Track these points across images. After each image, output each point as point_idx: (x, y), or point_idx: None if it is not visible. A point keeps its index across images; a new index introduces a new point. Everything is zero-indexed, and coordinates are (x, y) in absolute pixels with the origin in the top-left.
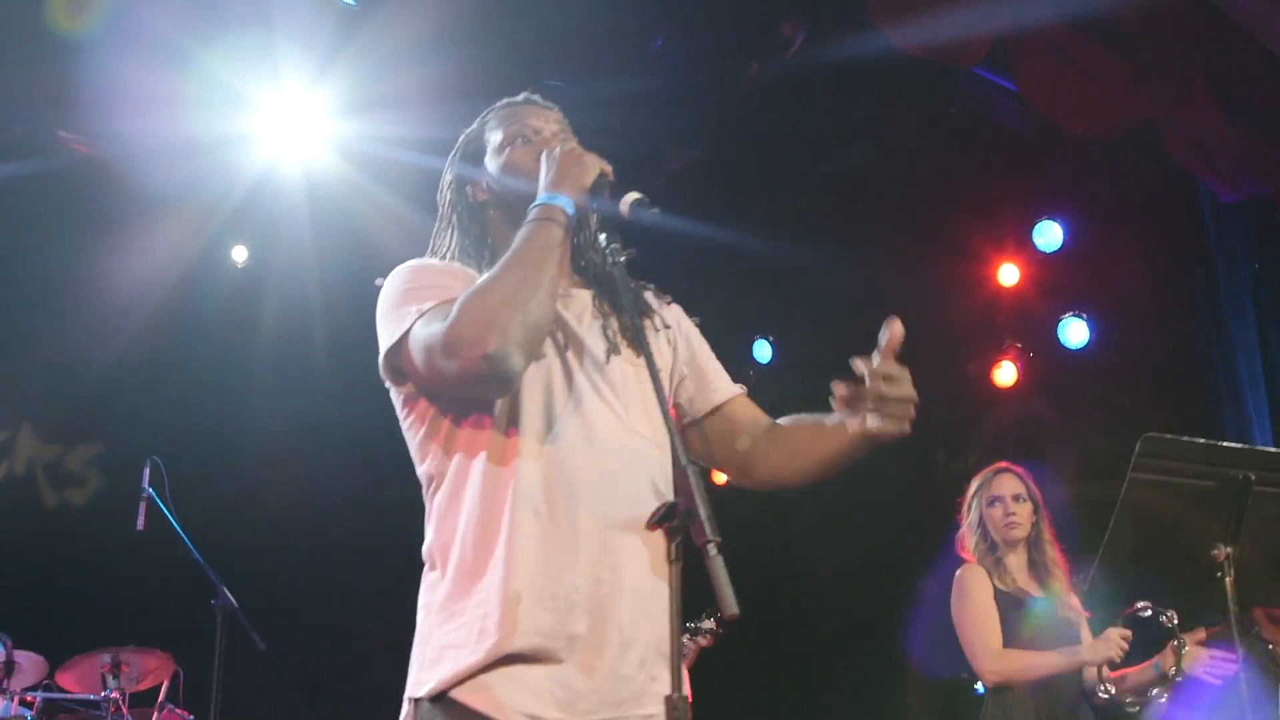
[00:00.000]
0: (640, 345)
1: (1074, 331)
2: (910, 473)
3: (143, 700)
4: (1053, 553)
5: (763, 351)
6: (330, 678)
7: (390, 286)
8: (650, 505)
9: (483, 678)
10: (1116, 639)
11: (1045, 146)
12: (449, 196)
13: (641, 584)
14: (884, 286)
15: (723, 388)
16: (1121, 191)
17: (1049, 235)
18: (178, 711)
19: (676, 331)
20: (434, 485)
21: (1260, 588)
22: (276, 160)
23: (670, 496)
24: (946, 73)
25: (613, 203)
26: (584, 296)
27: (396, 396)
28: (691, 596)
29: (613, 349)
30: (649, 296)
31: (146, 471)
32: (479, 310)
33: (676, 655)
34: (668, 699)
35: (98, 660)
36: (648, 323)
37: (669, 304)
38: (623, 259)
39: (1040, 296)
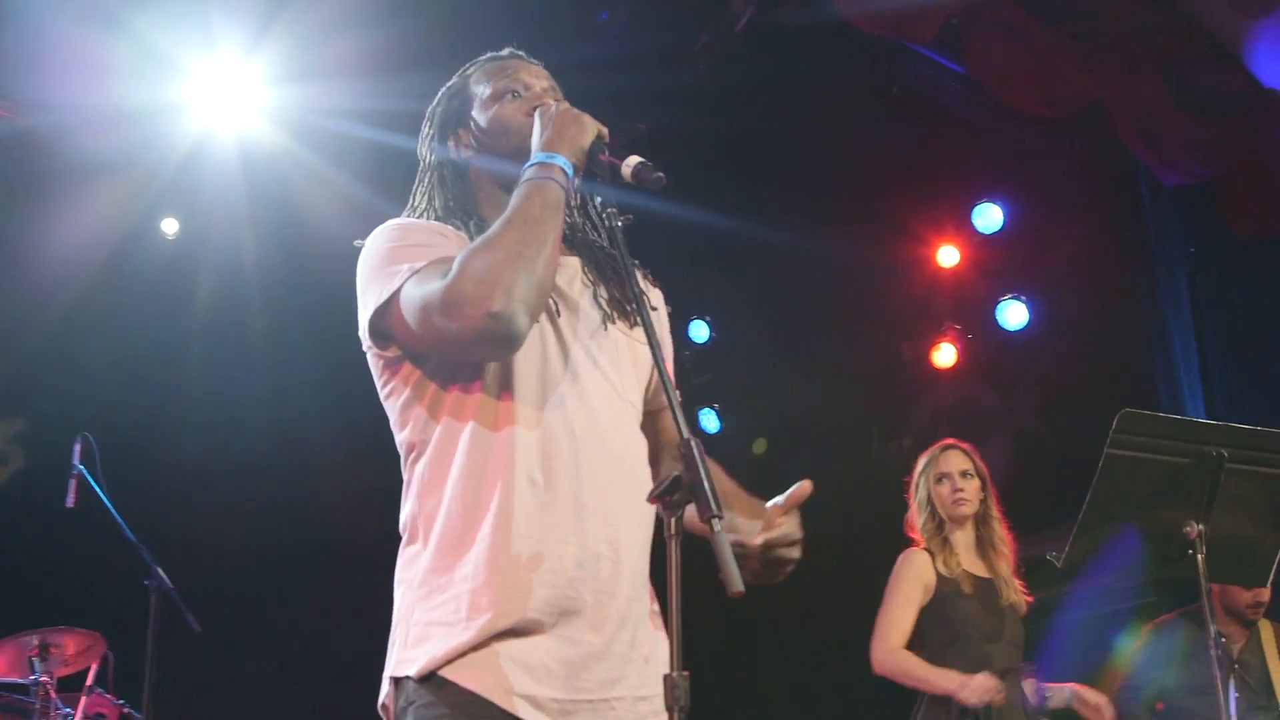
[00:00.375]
0: (630, 316)
1: (1013, 314)
2: (846, 454)
3: (73, 684)
4: (1000, 530)
5: (699, 332)
6: (266, 661)
7: (374, 245)
8: (646, 478)
9: (474, 655)
10: (993, 690)
11: (986, 129)
12: (431, 151)
13: (639, 560)
14: (823, 267)
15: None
16: (1061, 175)
17: (989, 217)
18: (106, 696)
19: (660, 316)
20: (416, 453)
21: (1230, 565)
22: (210, 129)
23: (646, 467)
24: (891, 52)
25: (610, 166)
26: (573, 263)
27: (376, 361)
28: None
29: (607, 317)
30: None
31: (77, 448)
32: (483, 267)
33: (678, 633)
34: (667, 678)
35: (24, 643)
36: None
37: (654, 285)
38: (620, 223)
39: (979, 278)
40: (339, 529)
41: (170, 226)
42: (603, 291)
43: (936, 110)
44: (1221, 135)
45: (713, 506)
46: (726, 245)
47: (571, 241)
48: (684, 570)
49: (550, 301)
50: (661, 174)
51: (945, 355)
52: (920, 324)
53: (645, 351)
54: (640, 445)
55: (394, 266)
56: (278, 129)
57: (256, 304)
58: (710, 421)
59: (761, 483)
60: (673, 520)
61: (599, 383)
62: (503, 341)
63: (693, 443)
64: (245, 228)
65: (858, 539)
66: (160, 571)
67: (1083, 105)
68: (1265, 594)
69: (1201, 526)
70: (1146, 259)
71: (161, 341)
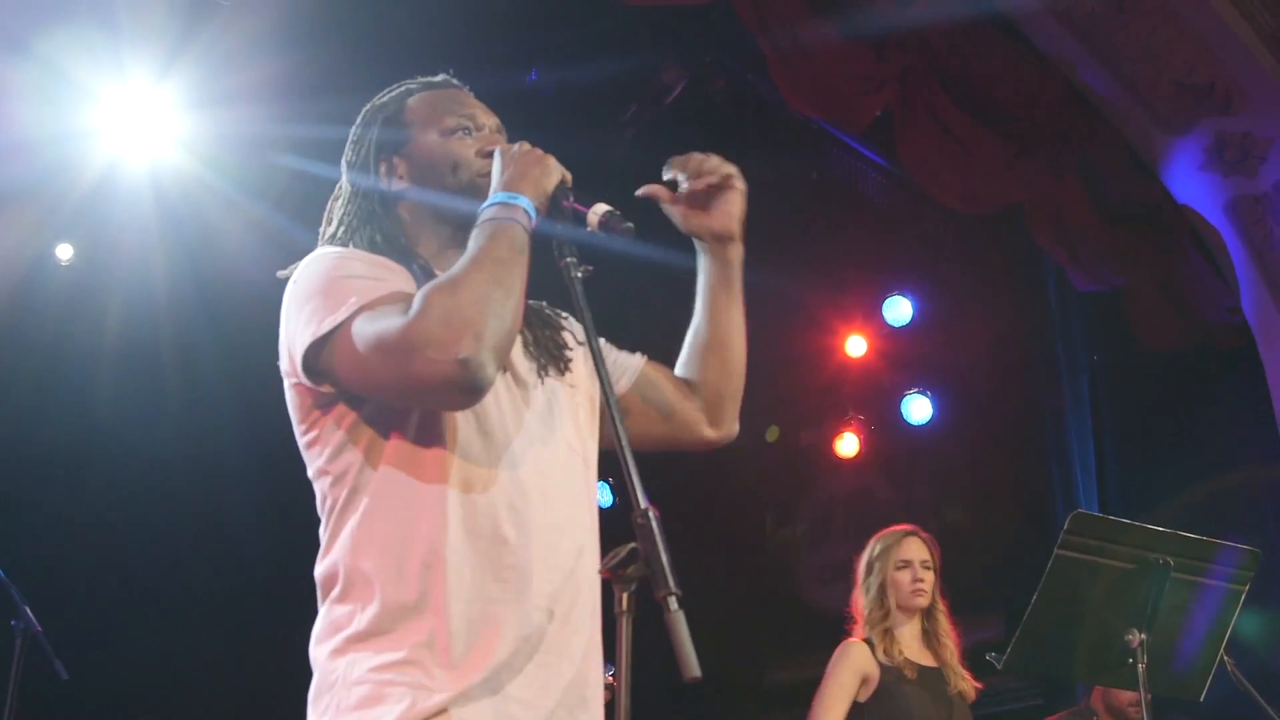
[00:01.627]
0: (560, 364)
1: (917, 408)
2: (740, 536)
3: None
4: (945, 623)
5: None
6: (136, 715)
7: (310, 272)
8: (593, 527)
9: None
10: None
11: (901, 221)
12: (357, 178)
13: (592, 624)
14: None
15: (627, 362)
16: (971, 273)
17: (898, 310)
18: None
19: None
20: (344, 502)
21: (1166, 675)
22: (120, 156)
23: (594, 518)
24: (816, 137)
25: (575, 212)
26: None
27: (303, 398)
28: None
29: (541, 369)
30: (553, 312)
31: None
32: (450, 309)
33: (627, 712)
34: None
35: None
36: (568, 340)
37: (563, 316)
38: (580, 274)
39: (886, 370)
40: (242, 584)
41: (65, 252)
42: (532, 339)
43: (854, 199)
44: (1134, 245)
45: (670, 583)
46: (634, 316)
47: None
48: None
49: None
50: (631, 224)
51: (848, 445)
52: (824, 412)
53: (585, 398)
54: (588, 496)
55: (337, 298)
56: (189, 155)
57: (168, 334)
58: (604, 495)
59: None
60: (624, 596)
61: (543, 437)
62: (468, 390)
63: (650, 513)
64: (157, 255)
65: (746, 621)
66: (29, 612)
67: (1005, 204)
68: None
69: (1144, 635)
70: (1051, 362)
71: (64, 372)
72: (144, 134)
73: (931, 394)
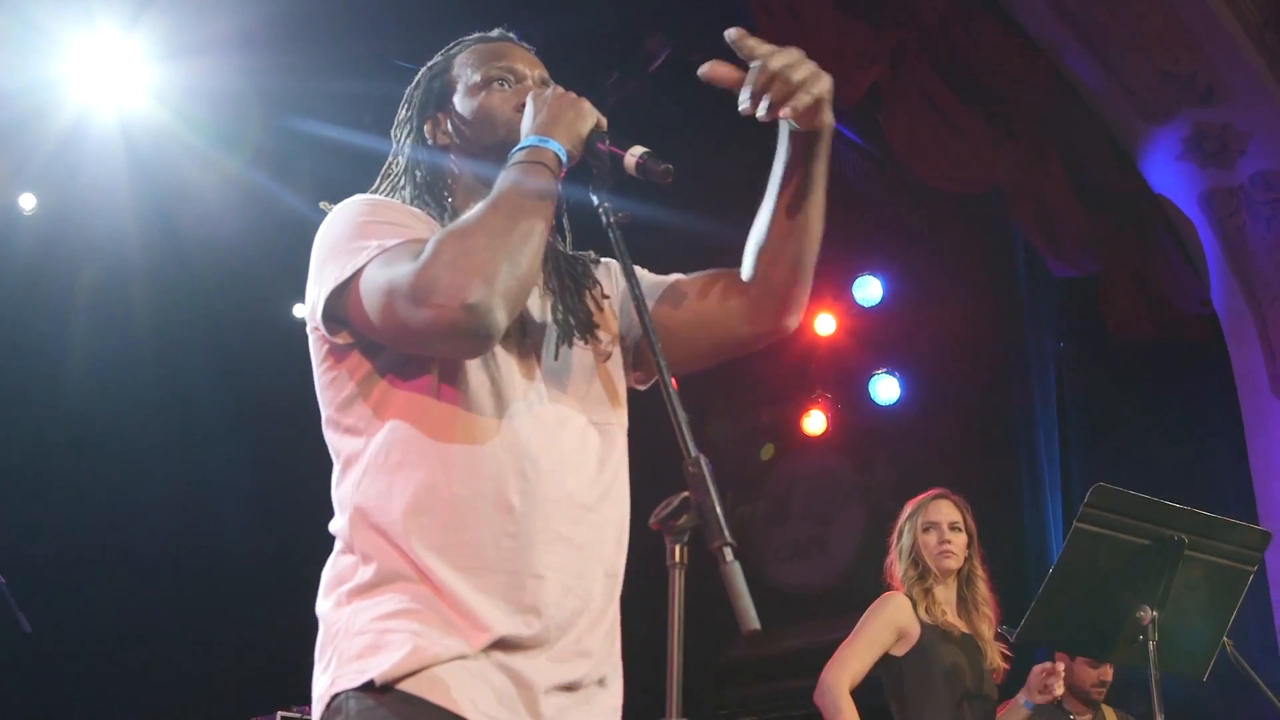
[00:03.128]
0: (590, 330)
1: (884, 388)
2: None
3: None
4: (985, 591)
5: None
6: (100, 669)
7: (338, 217)
8: (619, 501)
9: (437, 670)
10: None
11: (876, 202)
12: (404, 137)
13: (604, 590)
14: None
15: (657, 286)
16: (943, 255)
17: (868, 290)
18: None
19: (616, 290)
20: (354, 455)
21: (1172, 653)
22: (90, 106)
23: (621, 488)
24: None
25: (612, 156)
26: None
27: (321, 345)
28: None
29: (565, 332)
30: (587, 265)
31: None
32: (459, 252)
33: (679, 672)
34: None
35: None
36: (590, 298)
37: (599, 263)
38: (617, 219)
39: (855, 350)
40: (226, 527)
41: (28, 202)
42: (560, 305)
43: (829, 178)
44: (1111, 233)
45: (724, 533)
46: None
47: None
48: None
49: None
50: (669, 165)
51: (815, 423)
52: (792, 390)
53: (615, 361)
54: (613, 470)
55: (359, 243)
56: (160, 105)
57: (139, 283)
58: None
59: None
60: (676, 548)
61: (562, 405)
62: (476, 337)
63: (702, 461)
64: (127, 206)
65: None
66: None
67: (988, 185)
68: (1109, 673)
69: (1155, 613)
70: (1018, 348)
71: (33, 323)
72: (114, 84)
73: (899, 375)
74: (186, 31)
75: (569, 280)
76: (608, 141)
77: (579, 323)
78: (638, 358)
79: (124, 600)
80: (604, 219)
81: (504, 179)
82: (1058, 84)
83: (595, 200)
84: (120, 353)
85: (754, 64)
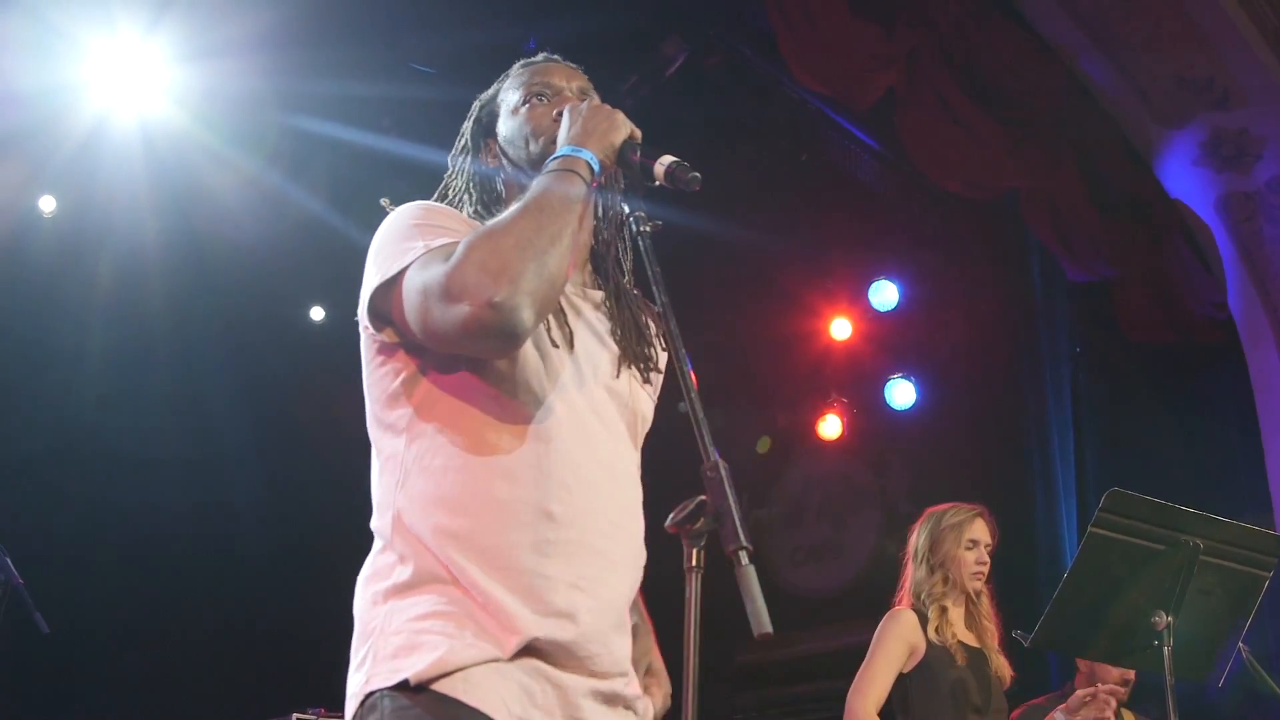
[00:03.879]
0: (641, 363)
1: (900, 392)
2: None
3: None
4: (988, 605)
5: None
6: (116, 670)
7: (394, 219)
8: (635, 532)
9: (471, 672)
10: None
11: (891, 206)
12: (460, 164)
13: (623, 604)
14: (714, 332)
15: None
16: (958, 260)
17: (884, 295)
18: None
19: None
20: (395, 454)
21: (1185, 657)
22: (110, 109)
23: (640, 537)
24: (812, 118)
25: (643, 166)
26: (595, 296)
27: (370, 343)
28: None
29: (624, 361)
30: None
31: None
32: (488, 253)
33: (694, 680)
34: None
35: None
36: (652, 340)
37: (663, 349)
38: (648, 228)
39: (871, 354)
40: (243, 530)
41: (48, 204)
42: (618, 332)
43: (844, 182)
44: (1126, 237)
45: (741, 537)
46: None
47: (601, 269)
48: None
49: (566, 332)
50: (697, 174)
51: (830, 427)
52: (807, 394)
53: (644, 401)
54: (634, 497)
55: (408, 244)
56: (179, 109)
57: (158, 288)
58: None
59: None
60: (694, 551)
61: (607, 425)
62: (503, 335)
63: (720, 466)
64: (147, 210)
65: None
66: (9, 563)
67: (1002, 190)
68: (1132, 674)
69: (1170, 618)
70: (1034, 353)
71: (54, 325)
72: (133, 87)
73: (915, 379)
74: (205, 35)
75: (630, 315)
76: (639, 153)
77: (638, 355)
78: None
79: (140, 601)
80: (634, 227)
81: (536, 185)
82: (1073, 88)
83: (626, 209)
84: (138, 354)
85: None
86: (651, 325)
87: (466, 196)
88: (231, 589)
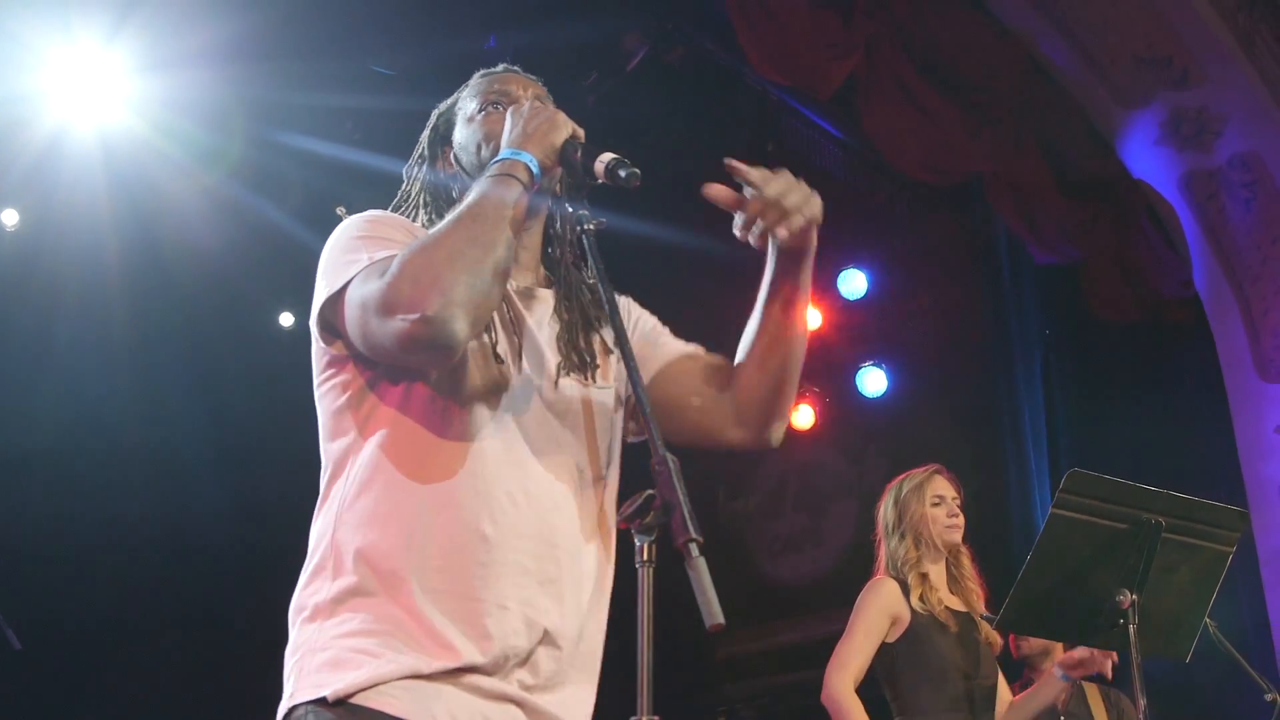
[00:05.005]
0: (590, 367)
1: (871, 380)
2: (694, 510)
3: None
4: (969, 567)
5: None
6: (80, 679)
7: (342, 230)
8: (577, 549)
9: (396, 686)
10: None
11: (857, 194)
12: (416, 173)
13: (575, 622)
14: (683, 323)
15: (663, 351)
16: (926, 246)
17: (853, 283)
18: None
19: (631, 331)
20: (339, 469)
21: (1153, 636)
22: (68, 121)
23: (603, 540)
24: (775, 109)
25: (584, 166)
26: (547, 298)
27: (321, 355)
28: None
29: (565, 367)
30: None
31: None
32: (420, 266)
33: (648, 677)
34: None
35: None
36: (598, 339)
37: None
38: (591, 226)
39: (841, 343)
40: (208, 540)
41: (10, 218)
42: (566, 336)
43: (810, 171)
44: (1091, 218)
45: (690, 529)
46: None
47: (553, 271)
48: None
49: (513, 339)
50: (636, 170)
51: (803, 417)
52: None
53: (603, 403)
54: (595, 516)
55: (352, 256)
56: (139, 119)
57: (120, 299)
58: None
59: None
60: (645, 545)
61: (550, 439)
62: (437, 348)
63: (669, 459)
64: (107, 221)
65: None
66: None
67: (965, 175)
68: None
69: (1135, 596)
70: (1004, 336)
71: (13, 338)
72: (93, 97)
73: (886, 366)
74: (165, 45)
75: (579, 315)
76: (580, 152)
77: (579, 361)
78: (630, 406)
79: (104, 610)
80: (577, 227)
81: (471, 191)
82: (1033, 71)
83: (569, 209)
84: (101, 365)
85: (750, 192)
86: (604, 330)
87: (421, 205)
88: (197, 602)
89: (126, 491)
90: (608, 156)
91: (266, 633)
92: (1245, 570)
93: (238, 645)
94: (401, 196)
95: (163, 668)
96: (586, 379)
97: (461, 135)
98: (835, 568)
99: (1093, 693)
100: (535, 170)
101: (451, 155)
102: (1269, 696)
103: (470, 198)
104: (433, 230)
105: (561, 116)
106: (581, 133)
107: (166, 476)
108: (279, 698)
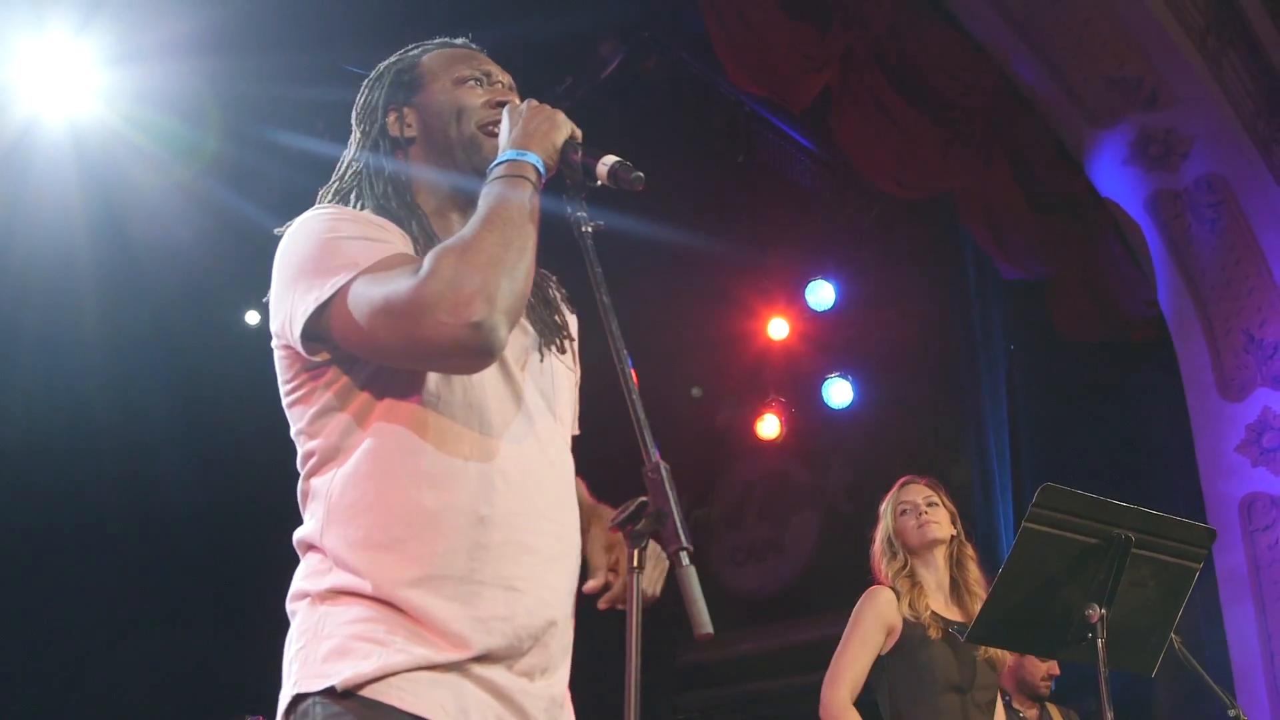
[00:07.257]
0: (560, 339)
1: (837, 391)
2: None
3: None
4: (976, 572)
5: None
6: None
7: (302, 236)
8: (567, 522)
9: (406, 677)
10: None
11: (827, 206)
12: (366, 127)
13: (568, 608)
14: (652, 332)
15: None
16: (894, 259)
17: (821, 295)
18: None
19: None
20: (327, 462)
21: (1121, 650)
22: (38, 113)
23: (575, 527)
24: (748, 120)
25: (585, 166)
26: None
27: (292, 362)
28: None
29: (545, 344)
30: (551, 290)
31: None
32: (462, 270)
33: (636, 682)
34: None
35: None
36: (559, 315)
37: (572, 312)
38: (589, 230)
39: (808, 354)
40: (179, 529)
41: None
42: (536, 318)
43: (780, 183)
44: (1059, 236)
45: (682, 538)
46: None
47: None
48: None
49: None
50: (640, 174)
51: (769, 426)
52: (745, 395)
53: (568, 376)
54: (572, 485)
55: (335, 260)
56: (110, 112)
57: (91, 292)
58: None
59: None
60: (636, 552)
61: (537, 416)
62: (480, 353)
63: (661, 467)
64: (78, 214)
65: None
66: None
67: (937, 190)
68: (1056, 667)
69: (1104, 611)
70: (970, 351)
71: None
72: (63, 89)
73: (852, 378)
74: (137, 36)
75: (539, 293)
76: (581, 152)
77: (551, 336)
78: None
79: (75, 607)
80: (576, 228)
81: (490, 194)
82: (1005, 89)
83: (569, 210)
84: (71, 360)
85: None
86: (557, 294)
87: (367, 186)
88: (167, 593)
89: (97, 484)
90: (611, 159)
91: (237, 626)
92: (1202, 587)
93: (206, 639)
94: (340, 172)
95: (133, 662)
96: (559, 346)
97: (436, 100)
98: (797, 578)
99: (1055, 715)
100: (541, 171)
101: (415, 116)
102: (1232, 713)
103: (493, 201)
104: (463, 232)
105: (561, 116)
106: (580, 133)
107: (134, 466)
108: (250, 691)
